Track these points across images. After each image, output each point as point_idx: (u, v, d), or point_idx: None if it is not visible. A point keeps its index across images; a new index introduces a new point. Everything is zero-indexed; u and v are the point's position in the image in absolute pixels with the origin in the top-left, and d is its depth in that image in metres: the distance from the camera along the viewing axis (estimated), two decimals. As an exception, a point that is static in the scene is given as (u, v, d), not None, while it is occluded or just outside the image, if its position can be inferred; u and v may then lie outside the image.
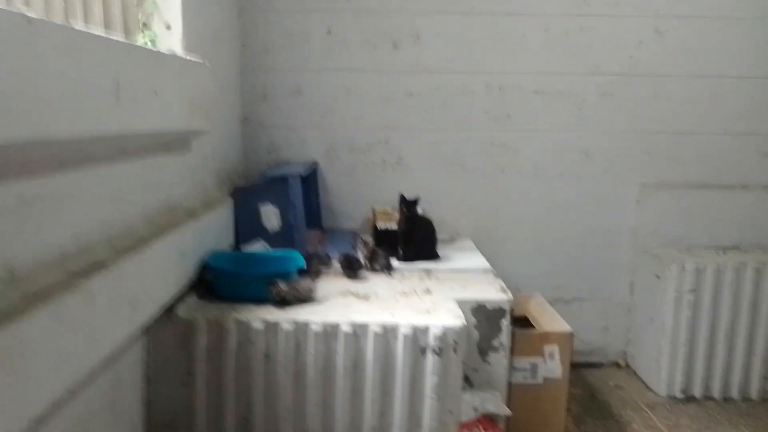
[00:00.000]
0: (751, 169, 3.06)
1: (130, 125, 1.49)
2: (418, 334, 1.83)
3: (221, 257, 2.12)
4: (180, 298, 1.92)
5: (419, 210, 2.59)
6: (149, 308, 1.67)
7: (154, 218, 1.83)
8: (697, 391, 2.80)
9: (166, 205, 1.96)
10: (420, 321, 1.86)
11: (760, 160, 3.06)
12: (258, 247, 2.47)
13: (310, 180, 3.01)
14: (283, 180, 2.50)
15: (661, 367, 2.82)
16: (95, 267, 1.37)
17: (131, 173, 1.69)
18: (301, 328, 1.83)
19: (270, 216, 2.53)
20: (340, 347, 1.83)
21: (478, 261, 2.60)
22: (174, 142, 2.04)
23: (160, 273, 1.74)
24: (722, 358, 2.78)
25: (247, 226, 2.52)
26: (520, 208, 3.08)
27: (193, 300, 1.97)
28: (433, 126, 3.02)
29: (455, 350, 1.85)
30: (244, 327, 1.82)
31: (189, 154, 2.21)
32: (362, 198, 3.06)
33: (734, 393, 2.81)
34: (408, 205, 2.50)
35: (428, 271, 2.45)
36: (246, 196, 2.53)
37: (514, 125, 3.02)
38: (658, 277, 2.85)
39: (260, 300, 1.96)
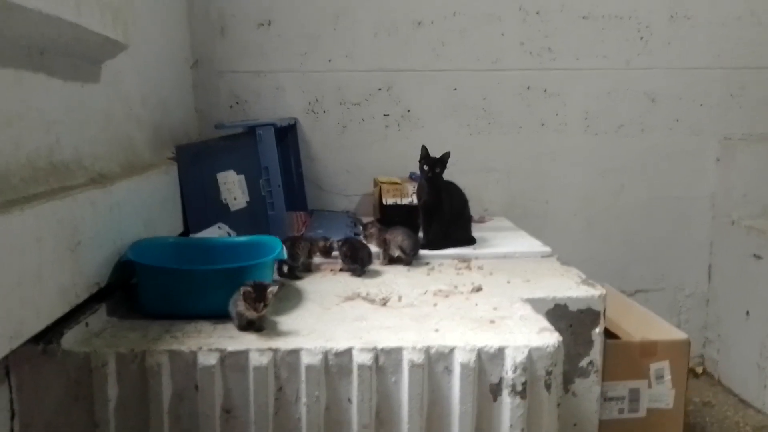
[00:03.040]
0: None
1: None
2: (485, 363, 1.08)
3: (149, 248, 1.33)
4: (72, 318, 1.12)
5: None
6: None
7: (10, 178, 1.03)
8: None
9: (46, 159, 1.16)
10: (486, 339, 1.10)
11: None
12: (216, 233, 1.68)
13: (288, 143, 2.22)
14: (250, 134, 1.71)
15: (767, 376, 2.11)
16: None
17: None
18: (286, 360, 1.06)
19: (232, 187, 1.74)
20: (354, 390, 1.06)
21: (531, 243, 1.85)
22: (64, 55, 1.24)
23: (20, 274, 0.94)
24: None
25: (198, 203, 1.73)
26: (566, 173, 2.34)
27: (98, 320, 1.18)
28: (450, 66, 2.26)
29: (548, 386, 1.09)
30: (186, 363, 1.04)
31: (96, 86, 1.41)
32: (359, 167, 2.29)
33: None
34: (433, 165, 1.73)
35: (465, 260, 1.69)
36: (195, 159, 1.73)
37: (558, 62, 2.27)
38: (758, 257, 2.14)
39: (215, 315, 1.18)
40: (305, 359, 1.05)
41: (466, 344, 1.08)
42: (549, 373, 1.09)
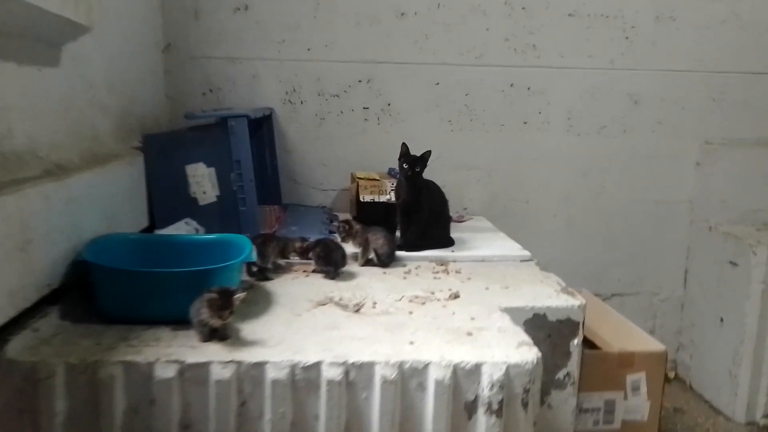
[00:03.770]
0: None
1: None
2: (461, 379, 1.03)
3: (108, 246, 1.24)
4: (20, 323, 1.04)
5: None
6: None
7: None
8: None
9: (-6, 149, 1.07)
10: (462, 354, 1.05)
11: None
12: (183, 229, 1.60)
13: (263, 134, 2.14)
14: (222, 125, 1.63)
15: (738, 384, 2.12)
16: None
17: None
18: (250, 373, 0.99)
19: (201, 180, 1.66)
20: (322, 406, 1.00)
21: (510, 246, 1.81)
22: (18, 37, 1.15)
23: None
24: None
25: (166, 197, 1.65)
26: (547, 172, 2.31)
27: (49, 324, 1.10)
28: (432, 59, 2.20)
29: (525, 404, 1.05)
30: (141, 375, 0.97)
31: (56, 70, 1.31)
32: (337, 160, 2.22)
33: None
34: (413, 164, 1.66)
35: (443, 263, 1.64)
36: (163, 150, 1.64)
37: (542, 59, 2.22)
38: (733, 263, 2.13)
39: (176, 321, 1.11)
40: (271, 373, 0.99)
41: (442, 359, 1.03)
42: (526, 391, 1.05)
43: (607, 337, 1.56)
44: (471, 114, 2.25)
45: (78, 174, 1.26)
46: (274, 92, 2.17)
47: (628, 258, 2.39)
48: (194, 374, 0.98)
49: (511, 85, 2.24)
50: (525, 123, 2.27)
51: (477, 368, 1.03)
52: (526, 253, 1.73)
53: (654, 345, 1.54)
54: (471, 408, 1.03)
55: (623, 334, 1.61)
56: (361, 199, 1.94)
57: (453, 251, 1.73)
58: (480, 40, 2.19)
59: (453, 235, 1.82)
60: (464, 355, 1.05)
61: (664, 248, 2.40)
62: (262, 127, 2.13)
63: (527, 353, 1.07)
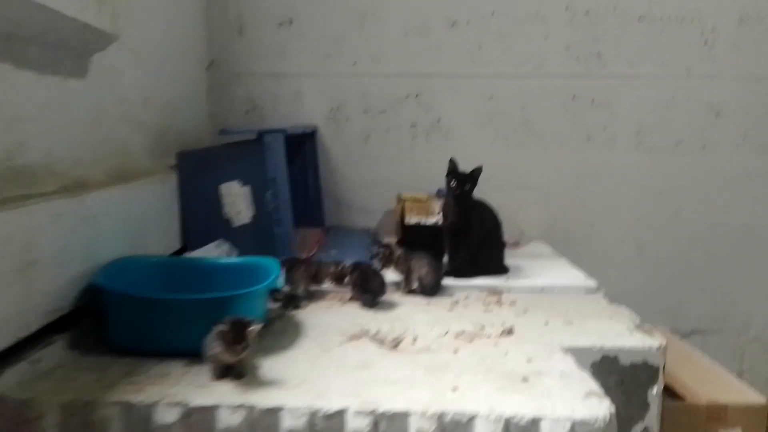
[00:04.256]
0: None
1: None
2: (513, 437, 0.85)
3: (125, 269, 1.14)
4: (18, 352, 0.94)
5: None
6: None
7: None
8: None
9: (4, 162, 0.99)
10: (516, 406, 0.87)
11: None
12: (214, 252, 1.50)
13: (306, 152, 2.04)
14: (257, 141, 1.53)
15: None
16: None
17: None
18: (263, 421, 0.85)
19: (235, 200, 1.56)
20: (346, 463, 0.85)
21: (573, 275, 1.61)
22: (38, 44, 1.08)
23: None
24: None
25: (199, 217, 1.55)
26: (614, 193, 2.08)
27: (53, 355, 1.00)
28: (486, 71, 2.04)
29: (594, 471, 0.85)
30: (139, 419, 0.85)
31: (82, 82, 1.24)
32: (383, 180, 2.09)
33: None
34: (462, 182, 1.50)
35: (496, 293, 1.46)
36: (198, 167, 1.56)
37: (608, 69, 2.03)
38: (841, 297, 1.83)
39: (191, 353, 0.98)
40: (286, 422, 0.84)
41: (491, 412, 0.85)
42: (596, 454, 0.85)
43: (691, 383, 1.33)
44: (528, 129, 2.07)
45: (98, 191, 1.18)
46: (318, 109, 2.08)
47: (709, 290, 2.12)
48: (199, 419, 0.85)
49: (573, 97, 2.05)
50: (588, 139, 2.07)
51: (534, 425, 0.84)
52: (592, 283, 1.52)
53: (751, 396, 1.30)
54: (526, 474, 0.85)
55: (710, 380, 1.37)
56: (406, 222, 1.80)
57: (507, 279, 1.55)
58: (538, 49, 2.02)
59: (508, 261, 1.63)
60: (518, 407, 0.87)
61: (752, 279, 2.11)
62: (304, 145, 2.03)
63: (597, 407, 0.87)
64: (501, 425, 0.84)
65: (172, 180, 1.54)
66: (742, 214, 2.08)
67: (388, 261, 1.44)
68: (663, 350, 1.15)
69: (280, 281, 1.18)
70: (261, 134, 1.50)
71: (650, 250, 2.11)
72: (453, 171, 1.52)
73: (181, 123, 1.83)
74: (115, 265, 1.15)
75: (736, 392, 1.31)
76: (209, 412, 0.85)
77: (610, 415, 0.86)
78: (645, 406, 1.15)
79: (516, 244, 1.95)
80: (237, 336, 0.92)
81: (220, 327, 0.91)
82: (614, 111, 2.05)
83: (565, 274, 1.61)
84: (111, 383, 0.91)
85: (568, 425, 0.84)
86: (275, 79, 2.07)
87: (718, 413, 1.23)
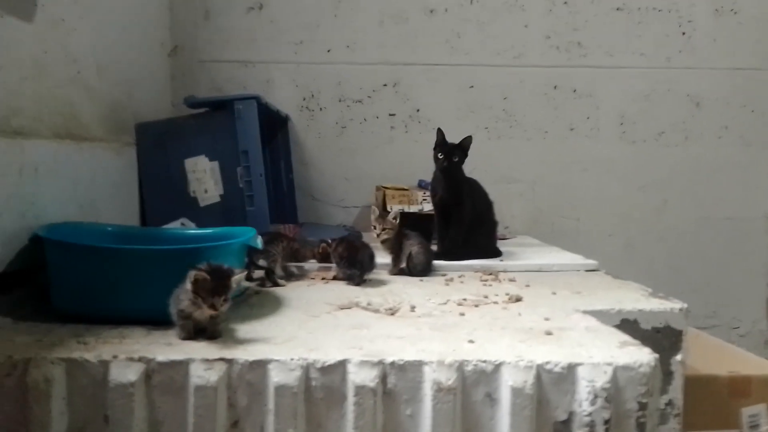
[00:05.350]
0: None
1: None
2: (547, 388, 0.71)
3: (74, 233, 0.97)
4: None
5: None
6: None
7: None
8: None
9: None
10: (546, 354, 0.74)
11: None
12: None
13: (278, 143, 1.91)
14: (227, 110, 1.39)
15: None
16: None
17: None
18: (246, 377, 0.69)
19: (202, 177, 1.40)
20: (348, 426, 0.69)
21: (570, 256, 1.51)
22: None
23: None
24: None
25: (160, 194, 1.39)
26: (600, 186, 2.02)
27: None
28: (465, 60, 1.97)
29: (641, 427, 0.72)
30: (91, 380, 0.68)
31: (27, 26, 1.09)
32: (360, 173, 1.97)
33: None
34: (450, 153, 1.40)
35: (492, 273, 1.33)
36: (159, 140, 1.40)
37: (589, 59, 1.99)
38: (833, 284, 1.78)
39: (155, 320, 0.81)
40: (275, 376, 0.69)
41: (519, 359, 0.72)
42: (643, 406, 0.72)
43: (709, 360, 1.22)
44: (510, 120, 2.00)
45: (40, 140, 1.02)
46: (290, 98, 1.96)
47: (698, 285, 2.05)
48: (166, 378, 0.68)
49: (555, 87, 1.99)
50: (572, 129, 2.01)
51: (570, 371, 0.71)
52: (592, 262, 1.42)
53: (773, 367, 1.20)
54: (565, 428, 0.71)
55: (728, 356, 1.27)
56: (388, 210, 1.67)
57: (501, 261, 1.43)
58: (518, 38, 1.97)
59: (499, 248, 1.52)
60: (549, 354, 0.74)
61: (741, 273, 2.06)
62: (276, 135, 1.90)
63: (638, 353, 0.75)
64: (533, 373, 0.71)
65: (129, 153, 1.38)
66: (728, 206, 2.04)
67: (388, 233, 1.28)
68: (686, 312, 1.05)
69: (259, 242, 1.02)
70: (231, 101, 1.36)
71: (637, 244, 2.04)
72: (441, 142, 1.41)
73: (141, 106, 1.67)
74: (62, 227, 0.98)
75: (757, 364, 1.21)
76: (179, 367, 0.69)
77: (655, 361, 0.74)
78: (669, 377, 1.03)
79: (502, 238, 1.84)
80: (216, 286, 0.76)
81: (196, 273, 0.76)
82: (596, 101, 2.00)
83: (561, 256, 1.51)
84: (54, 343, 0.74)
85: (609, 370, 0.71)
86: (244, 66, 1.95)
87: (741, 386, 1.13)
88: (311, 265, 1.27)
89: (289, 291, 1.13)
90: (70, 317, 0.84)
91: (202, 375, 0.68)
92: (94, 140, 1.26)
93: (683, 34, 2.00)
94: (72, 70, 1.27)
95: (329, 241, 1.26)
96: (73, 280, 0.86)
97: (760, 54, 2.02)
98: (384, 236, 1.27)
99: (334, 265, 1.24)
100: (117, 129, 1.44)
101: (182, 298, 0.78)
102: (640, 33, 1.99)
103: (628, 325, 1.03)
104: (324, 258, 1.28)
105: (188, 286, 0.77)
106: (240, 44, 1.94)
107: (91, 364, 0.68)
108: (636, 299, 1.09)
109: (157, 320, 0.81)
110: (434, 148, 1.42)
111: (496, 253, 1.48)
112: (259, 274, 1.16)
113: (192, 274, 0.76)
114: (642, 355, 0.75)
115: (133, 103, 1.61)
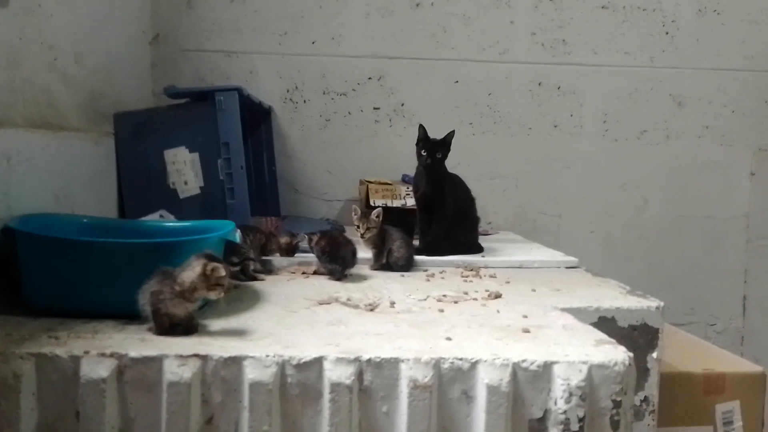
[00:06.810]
0: None
1: None
2: (523, 386, 0.72)
3: (45, 224, 0.95)
4: None
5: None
6: None
7: None
8: None
9: None
10: (522, 352, 0.74)
11: None
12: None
13: (261, 136, 1.89)
14: (209, 103, 1.37)
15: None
16: None
17: None
18: (220, 374, 0.68)
19: (182, 168, 1.38)
20: (324, 423, 0.69)
21: (551, 254, 1.51)
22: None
23: None
24: None
25: (139, 185, 1.37)
26: (581, 183, 2.03)
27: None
28: (451, 54, 1.97)
29: (615, 424, 0.73)
30: (62, 375, 0.67)
31: (2, 10, 1.07)
32: (343, 167, 1.96)
33: None
34: (432, 149, 1.39)
35: (473, 269, 1.33)
36: (137, 130, 1.38)
37: (573, 56, 2.00)
38: (807, 283, 1.82)
39: (129, 315, 0.80)
40: (250, 373, 0.68)
41: (495, 357, 0.72)
42: (617, 404, 0.73)
43: (682, 358, 1.24)
44: (494, 116, 2.00)
45: (14, 128, 1.00)
46: (274, 90, 1.94)
47: (676, 283, 2.08)
48: (138, 374, 0.67)
49: (539, 84, 2.00)
50: (555, 126, 2.02)
51: (546, 370, 0.72)
52: (572, 259, 1.43)
53: (748, 365, 1.21)
54: (538, 429, 0.72)
55: (703, 354, 1.28)
56: (372, 204, 1.67)
57: (483, 257, 1.43)
58: (504, 34, 1.97)
59: (481, 244, 1.53)
60: (526, 353, 0.74)
61: (718, 271, 2.09)
62: (259, 127, 1.88)
63: (613, 352, 0.76)
64: (508, 371, 0.71)
65: (107, 143, 1.36)
66: (707, 205, 2.06)
67: (371, 228, 1.27)
68: (662, 311, 1.06)
69: (237, 235, 1.01)
70: (212, 92, 1.35)
71: (618, 241, 2.05)
72: (423, 138, 1.41)
73: (121, 94, 1.64)
74: (35, 218, 0.96)
75: (731, 362, 1.23)
76: (152, 363, 0.68)
77: (629, 359, 0.75)
78: (645, 373, 1.04)
79: (484, 234, 1.85)
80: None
81: (203, 261, 0.75)
82: (580, 99, 2.01)
83: (542, 253, 1.52)
84: (24, 337, 0.72)
85: (584, 369, 0.72)
86: (227, 57, 1.92)
87: (715, 383, 1.14)
88: (287, 261, 1.26)
89: (269, 285, 1.12)
90: (42, 311, 0.83)
91: (175, 371, 0.67)
92: (72, 129, 1.24)
93: (667, 33, 2.01)
94: (49, 58, 1.24)
95: (301, 235, 1.26)
96: (46, 274, 0.84)
97: (742, 55, 2.04)
98: (368, 235, 1.27)
99: (299, 259, 1.23)
100: (95, 118, 1.42)
101: (154, 291, 0.76)
102: (625, 32, 2.00)
103: (606, 322, 1.04)
104: (288, 251, 1.27)
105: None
106: (223, 34, 1.92)
107: (61, 360, 0.67)
108: (614, 297, 1.10)
109: (132, 315, 0.80)
110: (417, 144, 1.41)
111: (477, 249, 1.49)
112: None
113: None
114: (617, 354, 0.75)
115: (113, 92, 1.58)
